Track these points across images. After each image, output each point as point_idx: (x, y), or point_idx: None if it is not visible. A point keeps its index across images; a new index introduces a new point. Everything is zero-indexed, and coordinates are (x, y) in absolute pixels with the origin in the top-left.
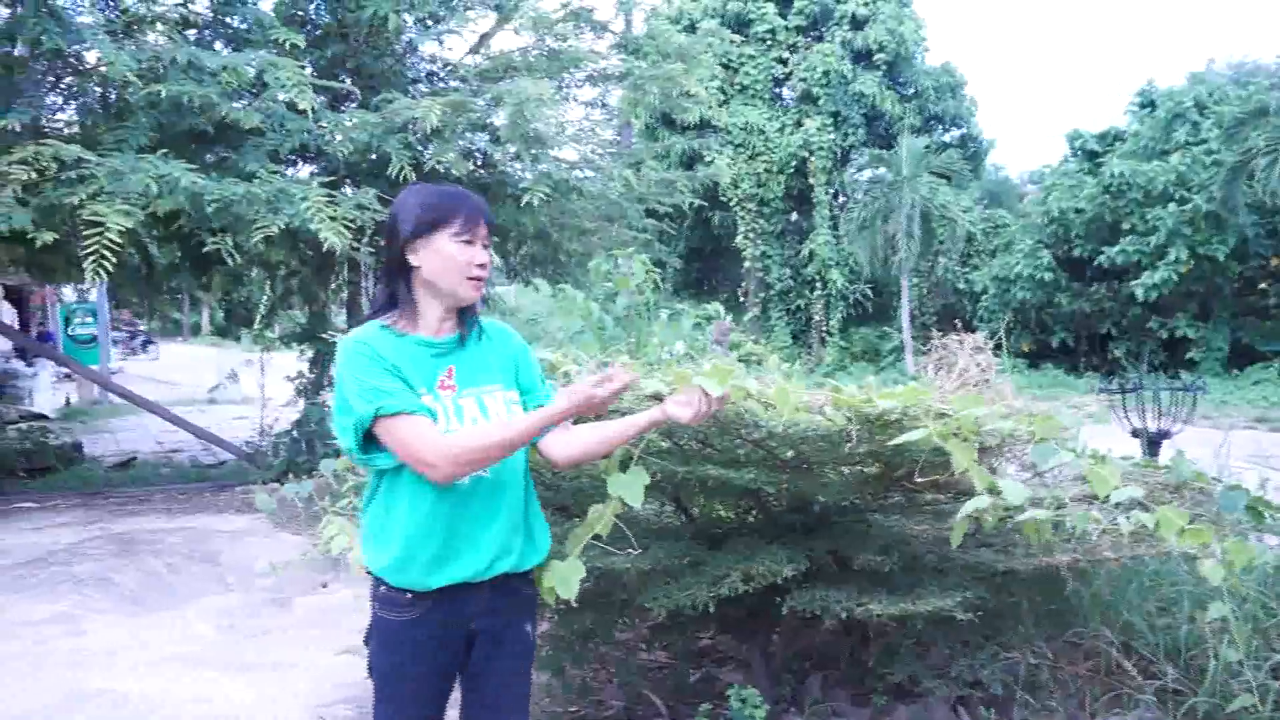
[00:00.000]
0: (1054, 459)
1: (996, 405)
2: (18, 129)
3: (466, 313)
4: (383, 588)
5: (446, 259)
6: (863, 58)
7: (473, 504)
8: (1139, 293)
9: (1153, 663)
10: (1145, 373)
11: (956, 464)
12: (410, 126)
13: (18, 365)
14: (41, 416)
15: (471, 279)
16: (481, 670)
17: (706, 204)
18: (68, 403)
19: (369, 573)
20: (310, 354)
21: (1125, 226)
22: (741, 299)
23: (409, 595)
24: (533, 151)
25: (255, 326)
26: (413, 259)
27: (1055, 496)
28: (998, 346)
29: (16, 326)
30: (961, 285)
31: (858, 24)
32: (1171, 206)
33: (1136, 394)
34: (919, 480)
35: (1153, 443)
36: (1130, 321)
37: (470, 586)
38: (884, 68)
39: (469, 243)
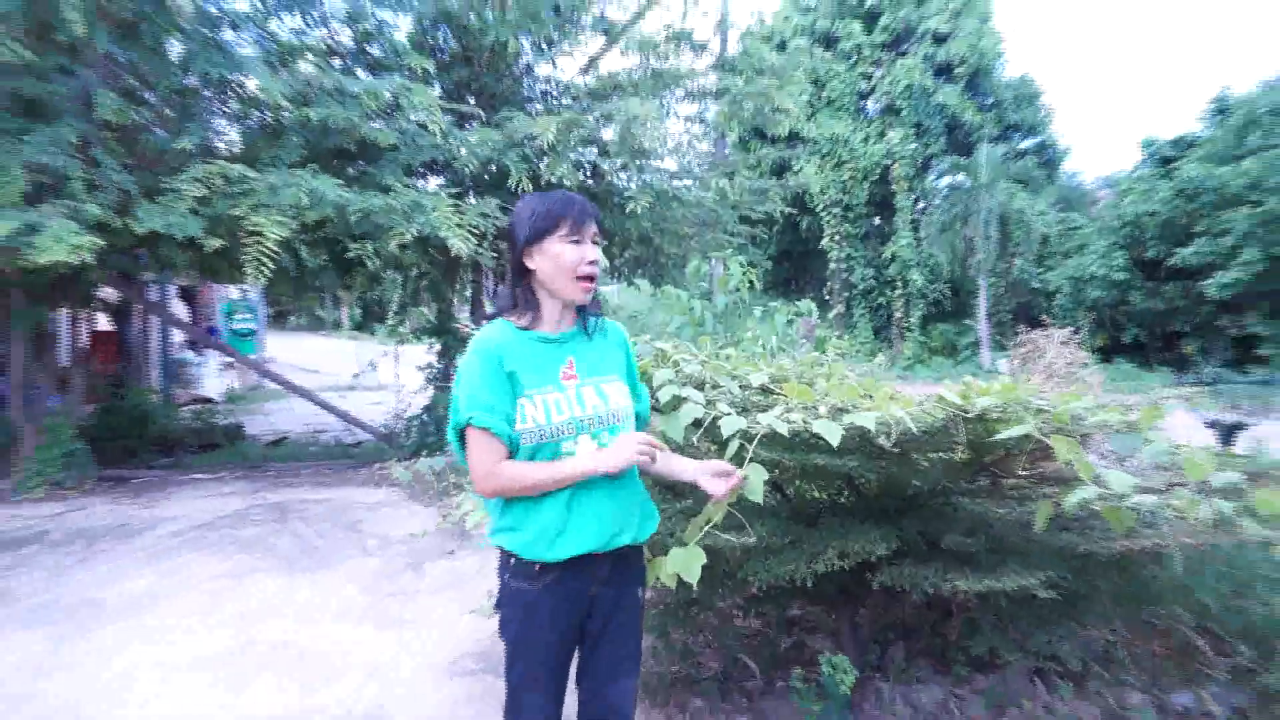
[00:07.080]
0: (1149, 451)
1: (1089, 397)
2: (191, 150)
3: (585, 308)
4: (513, 560)
5: (557, 260)
6: (944, 71)
7: (595, 482)
8: (1211, 291)
9: (1226, 643)
10: (1217, 368)
11: (1059, 456)
12: (527, 141)
13: (189, 355)
14: (209, 400)
15: (581, 278)
16: (600, 633)
17: (795, 210)
18: (230, 388)
19: (500, 548)
20: (438, 346)
21: (1198, 229)
22: (827, 297)
23: (537, 566)
24: (638, 163)
25: (389, 322)
26: (529, 263)
27: (1135, 484)
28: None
29: (189, 321)
30: (1036, 284)
31: (939, 40)
32: (1244, 209)
33: (1214, 387)
34: (1008, 466)
35: (1228, 433)
36: (1202, 319)
37: (594, 558)
38: (964, 80)
39: (578, 242)
